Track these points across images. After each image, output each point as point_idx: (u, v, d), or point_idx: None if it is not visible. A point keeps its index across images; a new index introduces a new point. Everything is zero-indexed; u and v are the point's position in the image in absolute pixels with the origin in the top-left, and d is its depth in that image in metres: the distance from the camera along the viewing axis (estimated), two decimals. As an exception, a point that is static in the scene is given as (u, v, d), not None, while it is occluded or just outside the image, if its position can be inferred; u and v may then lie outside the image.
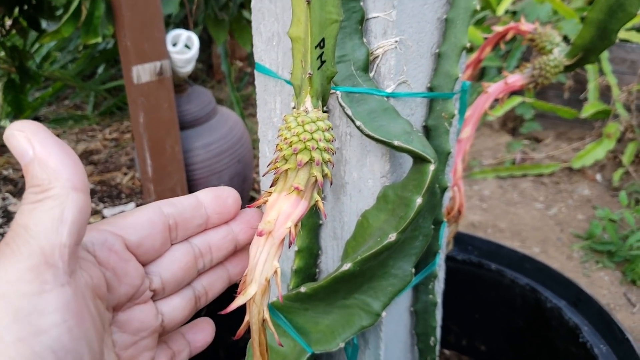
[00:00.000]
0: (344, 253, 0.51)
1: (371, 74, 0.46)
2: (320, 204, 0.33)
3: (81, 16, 1.20)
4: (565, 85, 2.13)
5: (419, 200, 0.43)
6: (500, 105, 1.55)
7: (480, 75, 2.08)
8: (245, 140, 1.66)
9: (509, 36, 0.95)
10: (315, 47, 0.32)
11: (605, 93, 2.02)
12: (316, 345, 0.50)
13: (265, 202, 0.32)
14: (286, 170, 0.32)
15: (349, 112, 0.44)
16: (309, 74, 0.32)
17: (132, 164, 2.24)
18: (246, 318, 0.31)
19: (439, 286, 0.63)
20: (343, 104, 0.44)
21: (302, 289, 0.49)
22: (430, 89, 0.50)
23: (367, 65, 0.45)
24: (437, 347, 0.64)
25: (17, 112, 2.53)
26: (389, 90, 0.46)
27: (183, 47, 1.38)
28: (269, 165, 0.33)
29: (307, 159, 0.31)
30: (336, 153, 0.50)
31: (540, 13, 2.12)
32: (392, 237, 0.44)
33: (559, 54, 0.83)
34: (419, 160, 0.44)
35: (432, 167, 0.43)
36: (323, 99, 0.34)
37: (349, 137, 0.49)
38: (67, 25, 1.21)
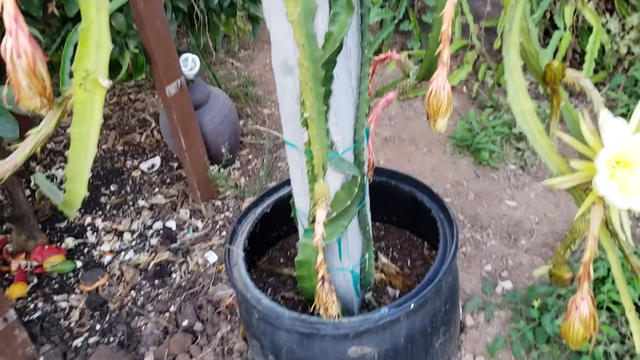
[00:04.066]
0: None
1: (334, 147, 1.15)
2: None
3: (129, 68, 1.77)
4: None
5: (356, 190, 1.15)
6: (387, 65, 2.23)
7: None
8: (233, 109, 2.30)
9: (387, 60, 1.63)
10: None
11: (465, 30, 2.71)
12: (326, 240, 1.24)
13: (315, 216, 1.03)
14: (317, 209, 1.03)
15: (329, 164, 1.14)
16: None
17: (142, 123, 2.81)
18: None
19: (366, 208, 1.36)
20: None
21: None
22: (355, 141, 1.20)
23: (332, 145, 1.14)
24: (370, 231, 1.39)
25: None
26: (340, 152, 1.16)
27: (190, 64, 1.97)
28: (313, 209, 1.03)
29: (324, 205, 1.02)
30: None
31: None
32: (348, 203, 1.16)
33: (412, 76, 1.52)
34: (354, 176, 1.15)
35: (359, 179, 1.14)
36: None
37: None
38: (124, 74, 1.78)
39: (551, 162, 0.89)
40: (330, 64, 0.98)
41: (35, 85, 0.68)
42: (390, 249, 1.69)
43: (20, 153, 0.77)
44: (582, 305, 0.82)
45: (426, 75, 1.37)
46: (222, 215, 2.15)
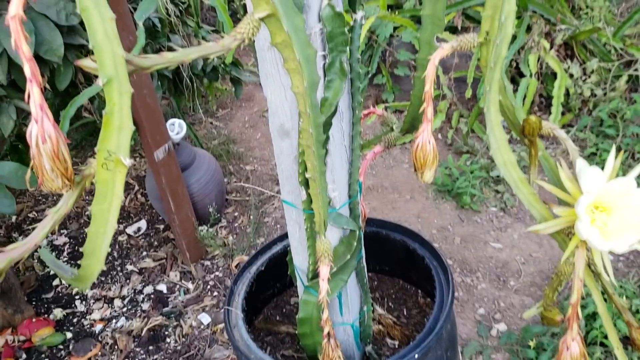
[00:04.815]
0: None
1: (331, 203, 1.20)
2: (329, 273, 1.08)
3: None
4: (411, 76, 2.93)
5: (355, 244, 1.20)
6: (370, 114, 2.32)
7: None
8: (218, 169, 2.35)
9: (371, 115, 1.71)
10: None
11: (436, 81, 2.84)
12: (329, 296, 1.27)
13: (319, 271, 1.07)
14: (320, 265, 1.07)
15: (328, 220, 1.19)
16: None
17: (125, 187, 2.82)
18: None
19: (363, 261, 1.41)
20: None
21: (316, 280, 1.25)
22: (350, 196, 1.26)
23: (329, 201, 1.19)
24: (367, 283, 1.43)
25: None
26: (337, 207, 1.21)
27: (177, 129, 2.03)
28: (312, 265, 1.08)
29: (327, 262, 1.07)
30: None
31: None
32: (348, 257, 1.21)
33: (396, 129, 1.60)
34: (352, 230, 1.20)
35: (357, 232, 1.19)
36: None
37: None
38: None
39: (534, 209, 0.95)
40: (326, 126, 1.05)
41: (58, 168, 0.72)
42: (385, 299, 1.73)
43: (40, 232, 0.81)
44: (573, 346, 0.87)
45: (409, 128, 1.44)
46: (213, 275, 2.16)
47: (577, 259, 0.88)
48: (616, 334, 0.94)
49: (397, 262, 1.75)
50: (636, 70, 2.52)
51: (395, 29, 2.89)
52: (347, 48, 1.02)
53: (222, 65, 2.31)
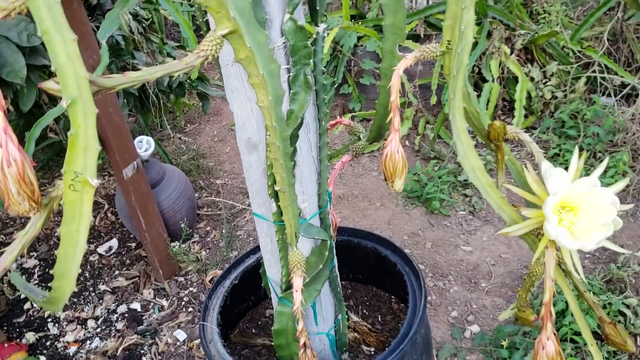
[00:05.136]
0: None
1: (301, 214, 1.21)
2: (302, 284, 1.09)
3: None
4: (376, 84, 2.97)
5: (326, 253, 1.21)
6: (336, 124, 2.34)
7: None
8: (188, 184, 2.34)
9: (338, 124, 1.73)
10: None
11: (401, 88, 2.88)
12: (302, 306, 1.27)
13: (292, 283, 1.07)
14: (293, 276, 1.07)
15: (299, 231, 1.19)
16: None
17: (95, 206, 2.77)
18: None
19: (335, 270, 1.42)
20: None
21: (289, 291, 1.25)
22: (320, 207, 1.27)
23: (299, 212, 1.20)
24: (341, 292, 1.44)
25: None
26: (307, 218, 1.22)
27: (145, 146, 2.01)
28: (285, 277, 1.08)
29: (300, 273, 1.07)
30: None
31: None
32: (320, 267, 1.21)
33: (363, 138, 1.61)
34: (323, 240, 1.21)
35: (328, 242, 1.20)
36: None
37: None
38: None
39: (504, 212, 0.97)
40: (293, 138, 1.06)
41: (25, 191, 0.71)
42: (360, 307, 1.74)
43: (9, 256, 0.79)
44: (548, 345, 0.89)
45: (376, 137, 1.46)
46: (187, 291, 2.14)
47: (547, 258, 0.90)
48: (589, 330, 0.96)
49: (369, 269, 1.76)
50: (594, 71, 2.61)
51: (359, 38, 2.93)
52: (311, 60, 1.03)
53: (189, 81, 2.30)
